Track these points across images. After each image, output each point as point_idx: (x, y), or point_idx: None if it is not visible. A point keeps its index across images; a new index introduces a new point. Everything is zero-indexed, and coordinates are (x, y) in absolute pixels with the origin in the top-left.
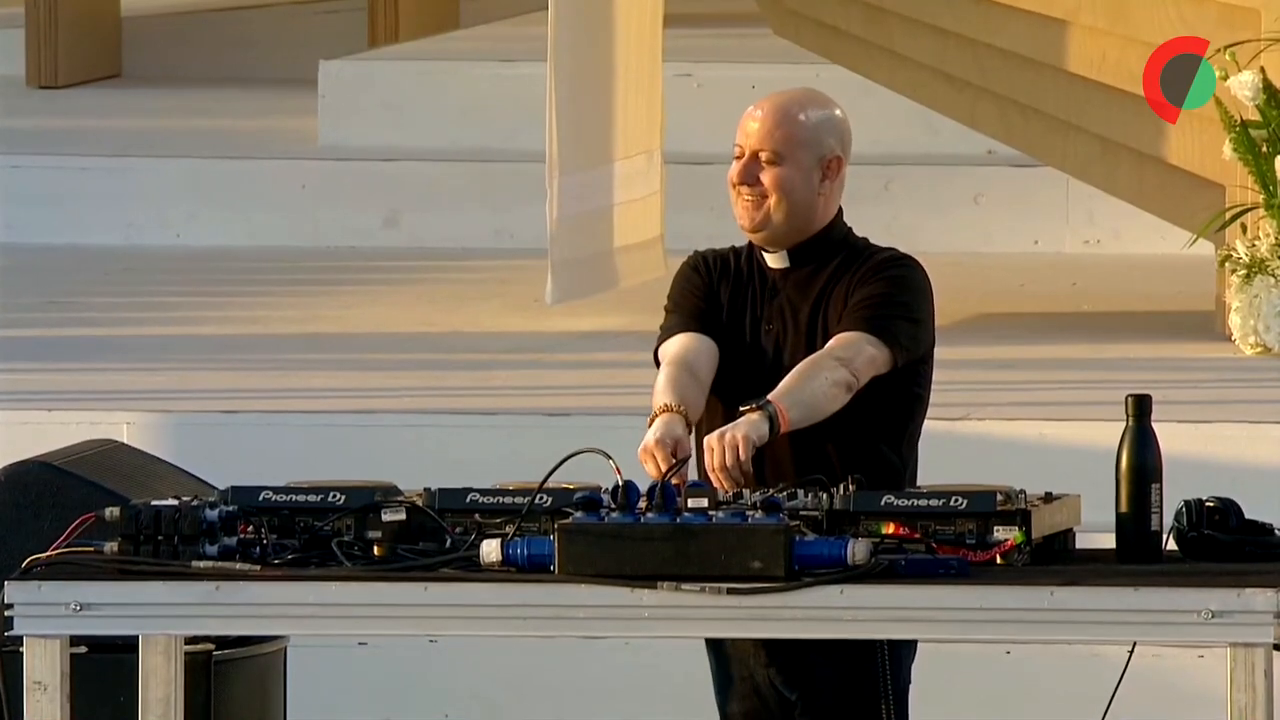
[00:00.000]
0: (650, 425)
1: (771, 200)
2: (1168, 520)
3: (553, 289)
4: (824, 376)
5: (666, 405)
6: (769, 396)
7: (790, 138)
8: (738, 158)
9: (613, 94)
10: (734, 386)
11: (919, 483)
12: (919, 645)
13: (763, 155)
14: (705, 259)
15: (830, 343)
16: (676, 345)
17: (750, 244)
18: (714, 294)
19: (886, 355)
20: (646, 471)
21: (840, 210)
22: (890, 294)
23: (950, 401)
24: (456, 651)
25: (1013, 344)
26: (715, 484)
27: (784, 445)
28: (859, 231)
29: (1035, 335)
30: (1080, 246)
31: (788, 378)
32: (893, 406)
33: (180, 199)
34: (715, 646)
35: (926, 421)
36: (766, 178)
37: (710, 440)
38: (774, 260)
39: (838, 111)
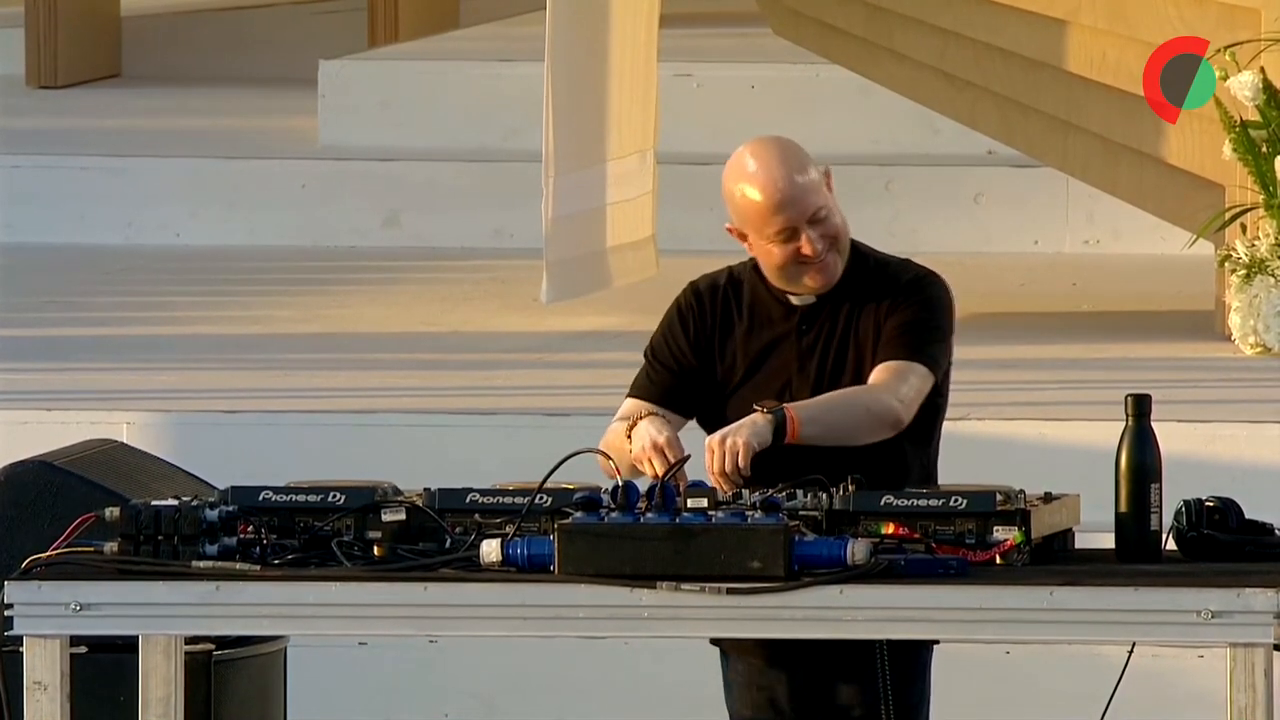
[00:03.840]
0: (631, 434)
1: (838, 246)
2: (1167, 520)
3: (548, 288)
4: (863, 406)
5: (644, 411)
6: (787, 405)
7: (819, 187)
8: (788, 240)
9: (607, 94)
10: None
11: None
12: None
13: (815, 216)
14: (702, 299)
15: (878, 373)
16: (629, 407)
17: (755, 268)
18: (704, 346)
19: (931, 380)
20: (645, 471)
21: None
22: (927, 319)
23: (951, 401)
24: (456, 651)
25: (1013, 344)
26: (714, 485)
27: (815, 450)
28: (860, 233)
29: (1035, 335)
30: (1080, 246)
31: (823, 395)
32: (920, 415)
33: (180, 199)
34: (725, 652)
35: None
36: (828, 232)
37: (712, 442)
38: (802, 299)
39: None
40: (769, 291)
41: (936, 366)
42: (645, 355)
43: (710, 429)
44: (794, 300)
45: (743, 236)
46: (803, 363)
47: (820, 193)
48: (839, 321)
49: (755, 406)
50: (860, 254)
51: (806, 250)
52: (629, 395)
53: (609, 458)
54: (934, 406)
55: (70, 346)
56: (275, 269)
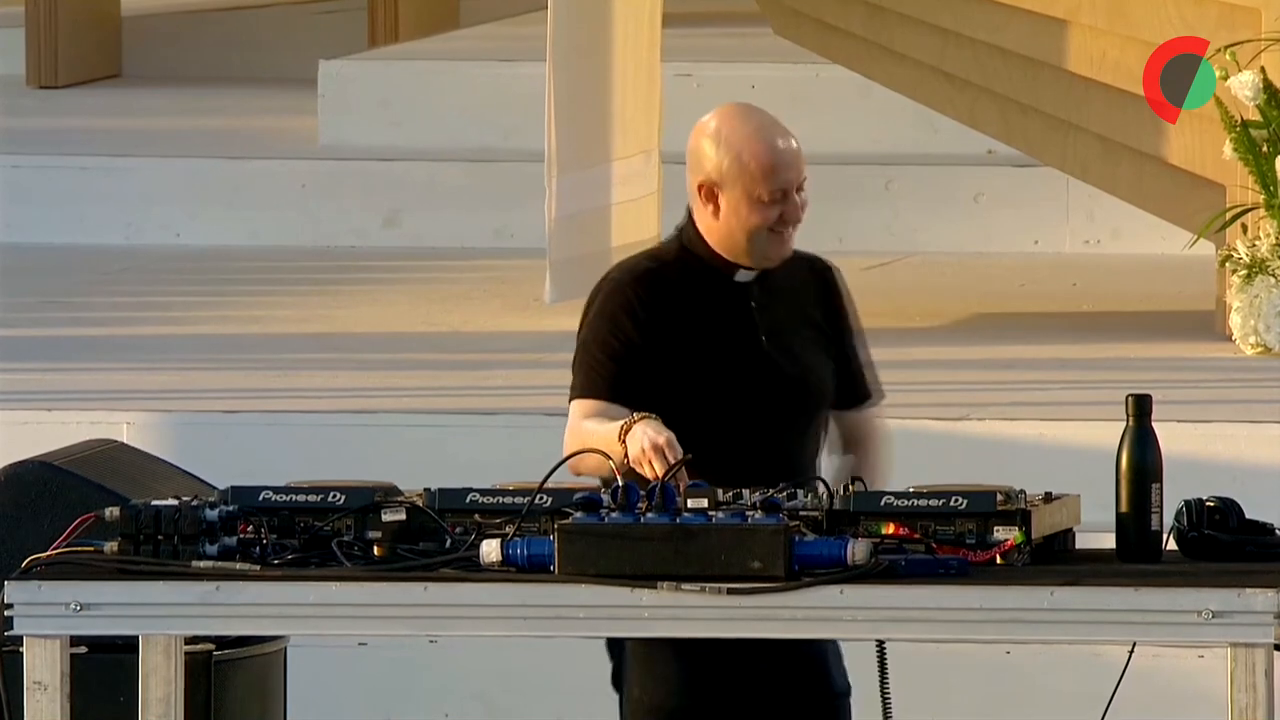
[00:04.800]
0: (624, 437)
1: (796, 227)
2: (1168, 520)
3: (551, 288)
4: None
5: (634, 420)
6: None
7: (801, 155)
8: (775, 203)
9: (611, 94)
10: (747, 399)
11: (919, 485)
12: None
13: (800, 185)
14: (639, 295)
15: (876, 444)
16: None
17: (682, 248)
18: (649, 338)
19: None
20: (644, 472)
21: None
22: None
23: (950, 401)
24: (456, 651)
25: (1013, 344)
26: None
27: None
28: (860, 233)
29: (1035, 335)
30: (1080, 246)
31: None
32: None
33: (180, 199)
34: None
35: (927, 421)
36: (801, 205)
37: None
38: (744, 274)
39: None
40: (707, 267)
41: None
42: (584, 356)
43: (671, 414)
44: (737, 277)
45: (712, 197)
46: (765, 331)
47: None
48: (781, 293)
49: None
50: None
51: (790, 214)
52: (577, 398)
53: (609, 457)
54: None
55: (70, 346)
56: (275, 269)
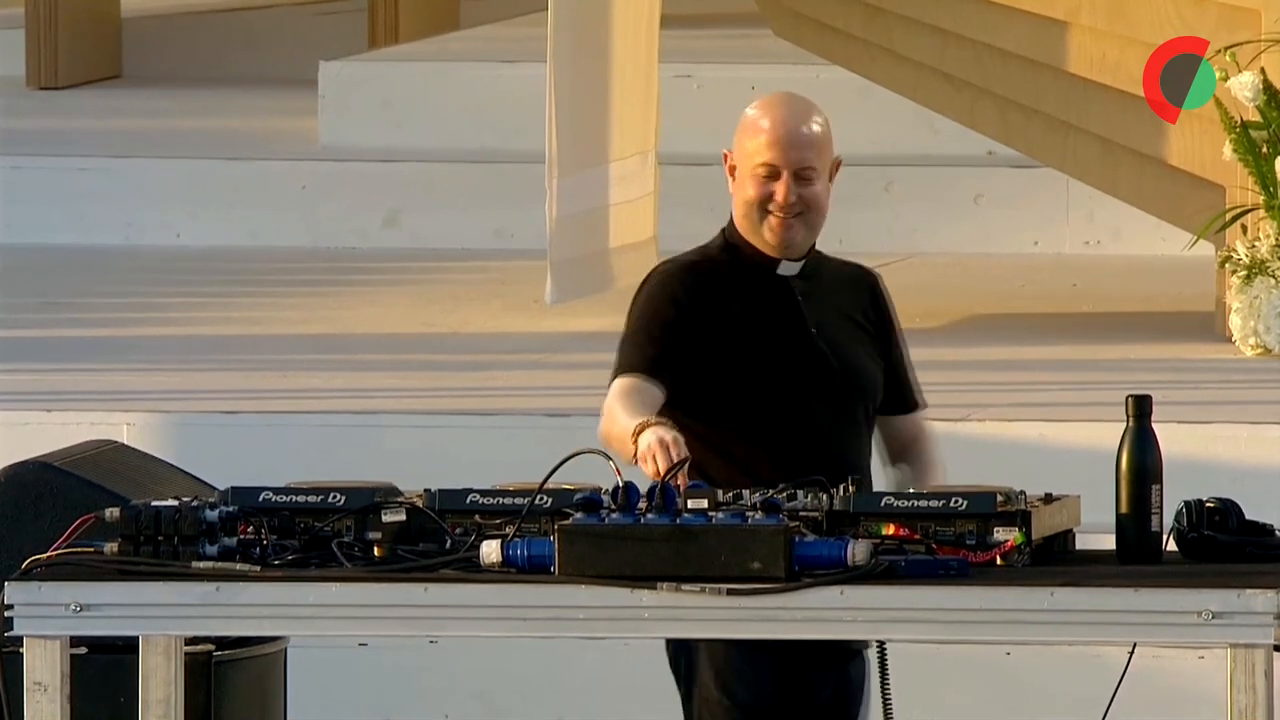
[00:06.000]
0: (636, 438)
1: (807, 218)
2: (1168, 521)
3: (552, 289)
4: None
5: (648, 421)
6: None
7: (823, 151)
8: (769, 177)
9: (609, 95)
10: (796, 387)
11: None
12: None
13: (802, 173)
14: (685, 285)
15: (930, 442)
16: (626, 383)
17: (727, 243)
18: (696, 325)
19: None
20: (646, 471)
21: None
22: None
23: (950, 402)
24: (456, 651)
25: (1013, 344)
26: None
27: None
28: (860, 233)
29: (1035, 335)
30: (1080, 247)
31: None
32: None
33: (180, 199)
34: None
35: (926, 422)
36: (807, 195)
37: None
38: (788, 267)
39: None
40: (751, 260)
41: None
42: (627, 341)
43: (721, 402)
44: (780, 270)
45: (732, 170)
46: (813, 323)
47: (818, 157)
48: (827, 292)
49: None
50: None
51: (779, 196)
52: (615, 376)
53: (609, 458)
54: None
55: (70, 347)
56: (275, 269)
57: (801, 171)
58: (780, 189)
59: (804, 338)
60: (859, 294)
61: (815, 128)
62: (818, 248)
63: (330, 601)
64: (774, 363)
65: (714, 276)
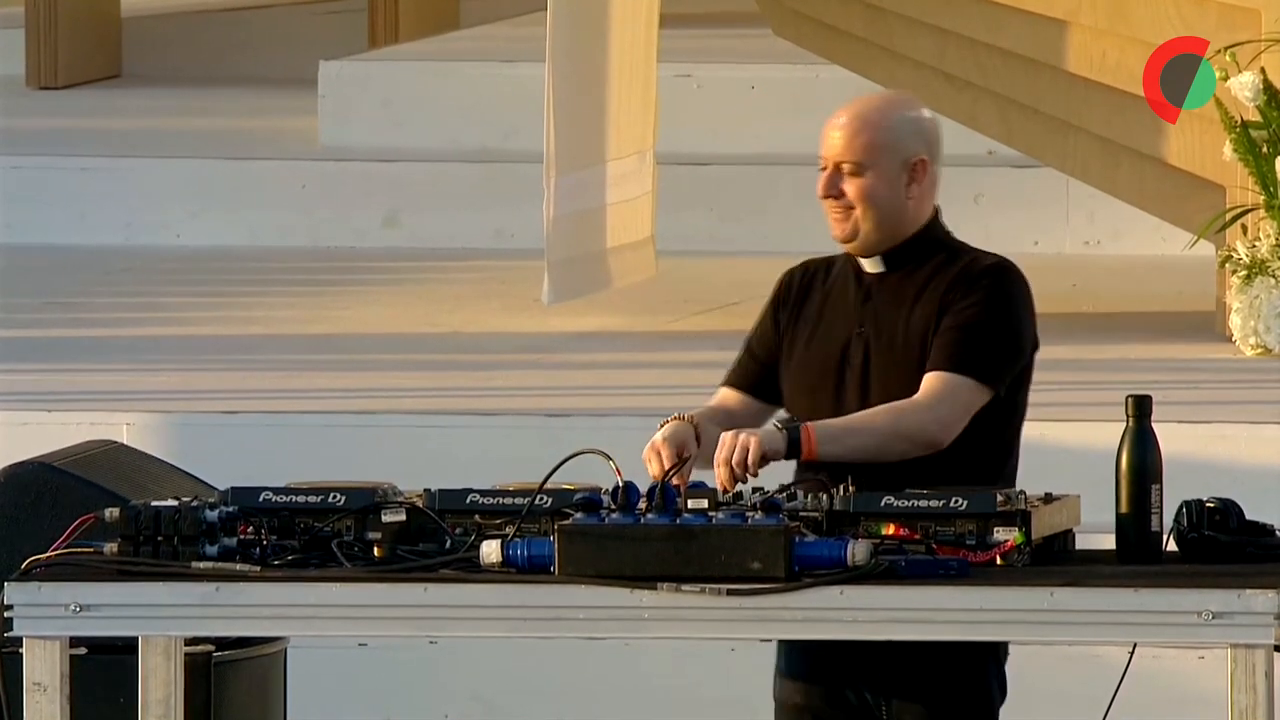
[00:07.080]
0: (660, 429)
1: (858, 211)
2: (1168, 521)
3: (549, 289)
4: (890, 428)
5: (681, 415)
6: (810, 422)
7: (871, 145)
8: (822, 169)
9: (607, 94)
10: (826, 390)
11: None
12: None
13: (845, 166)
14: (795, 274)
15: (925, 384)
16: (721, 397)
17: None
18: (788, 321)
19: (986, 392)
20: (649, 470)
21: (937, 211)
22: (986, 321)
23: None
24: (456, 651)
25: None
26: (716, 478)
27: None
28: None
29: None
30: (1080, 247)
31: (853, 414)
32: (992, 416)
33: (180, 199)
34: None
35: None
36: (850, 189)
37: (725, 435)
38: (869, 265)
39: (925, 112)
40: (851, 266)
41: (992, 375)
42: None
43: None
44: (865, 268)
45: None
46: (859, 334)
47: (863, 152)
48: (903, 299)
49: (775, 425)
50: (942, 243)
51: (826, 187)
52: (728, 376)
53: (609, 458)
54: (1011, 404)
55: (70, 347)
56: (275, 269)
57: (842, 165)
58: (819, 180)
59: (846, 338)
60: (940, 287)
61: (881, 122)
62: (960, 241)
63: (330, 602)
64: (806, 362)
65: (816, 277)
